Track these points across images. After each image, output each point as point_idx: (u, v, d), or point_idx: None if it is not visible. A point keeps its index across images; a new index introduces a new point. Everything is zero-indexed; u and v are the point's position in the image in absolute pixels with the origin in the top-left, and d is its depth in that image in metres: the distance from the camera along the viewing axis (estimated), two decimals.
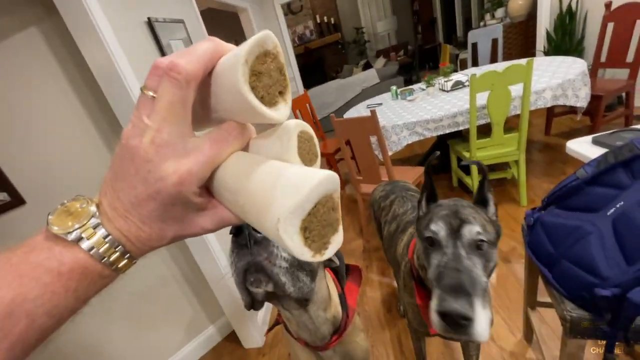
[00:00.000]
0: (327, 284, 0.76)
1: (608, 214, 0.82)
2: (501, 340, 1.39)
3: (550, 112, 2.67)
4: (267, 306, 1.87)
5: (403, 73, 6.21)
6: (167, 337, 1.61)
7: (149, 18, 1.19)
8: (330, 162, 3.09)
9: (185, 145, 0.21)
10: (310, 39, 6.48)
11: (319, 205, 0.20)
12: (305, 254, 0.20)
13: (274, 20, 3.74)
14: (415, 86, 2.93)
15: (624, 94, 2.35)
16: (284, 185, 0.20)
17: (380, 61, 6.11)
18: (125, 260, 0.23)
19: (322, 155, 3.12)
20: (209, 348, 1.76)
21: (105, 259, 0.22)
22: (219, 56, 0.21)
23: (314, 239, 0.20)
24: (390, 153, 2.03)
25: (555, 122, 2.81)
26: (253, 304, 0.56)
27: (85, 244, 0.21)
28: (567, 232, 0.89)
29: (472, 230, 0.65)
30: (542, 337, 1.21)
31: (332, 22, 6.45)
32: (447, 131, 2.01)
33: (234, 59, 0.20)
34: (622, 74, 2.36)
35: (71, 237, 0.21)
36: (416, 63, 6.56)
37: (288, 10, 6.17)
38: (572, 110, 2.63)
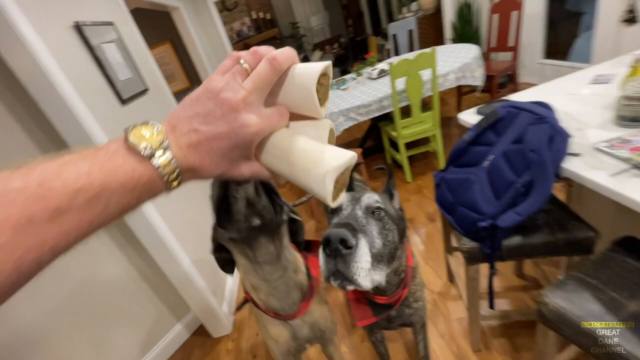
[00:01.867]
0: (294, 252, 0.80)
1: (484, 165, 1.08)
2: (430, 284, 1.67)
3: (459, 92, 3.10)
4: (231, 293, 1.96)
5: (338, 64, 6.51)
6: (134, 341, 1.61)
7: (76, 22, 1.19)
8: None
9: (261, 110, 0.30)
10: (248, 35, 6.43)
11: (345, 170, 0.32)
12: (330, 199, 0.31)
13: (208, 17, 3.68)
14: (347, 76, 3.16)
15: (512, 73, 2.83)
16: (331, 152, 0.32)
17: (317, 54, 6.33)
18: (176, 182, 0.28)
19: None
20: (177, 346, 1.78)
21: (166, 177, 0.27)
22: (294, 62, 0.31)
23: (335, 191, 0.32)
24: None
25: (465, 99, 3.27)
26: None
27: (155, 161, 0.26)
28: (459, 183, 1.14)
29: (371, 197, 0.69)
30: (458, 274, 1.50)
31: (269, 17, 6.47)
32: (376, 114, 2.26)
33: (311, 70, 0.30)
34: (508, 56, 2.84)
35: (145, 152, 0.26)
36: (350, 54, 6.91)
37: (222, 7, 6.04)
38: (474, 89, 3.11)
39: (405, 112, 2.24)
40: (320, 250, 0.57)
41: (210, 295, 1.69)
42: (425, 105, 2.18)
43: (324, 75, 0.31)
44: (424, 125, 2.25)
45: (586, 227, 0.97)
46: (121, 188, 0.25)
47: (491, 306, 1.17)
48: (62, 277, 1.34)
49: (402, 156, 2.37)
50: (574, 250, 0.98)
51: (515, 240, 1.03)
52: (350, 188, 0.99)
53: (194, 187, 1.73)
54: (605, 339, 0.73)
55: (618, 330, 0.73)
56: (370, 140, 3.14)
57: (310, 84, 0.30)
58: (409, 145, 2.41)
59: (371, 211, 0.67)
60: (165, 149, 0.26)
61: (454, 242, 1.50)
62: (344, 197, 0.44)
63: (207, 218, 1.39)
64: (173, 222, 1.54)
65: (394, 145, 2.61)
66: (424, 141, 2.63)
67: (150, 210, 1.40)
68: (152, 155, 0.26)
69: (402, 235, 0.76)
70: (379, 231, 0.65)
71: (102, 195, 0.24)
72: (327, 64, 0.31)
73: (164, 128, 0.28)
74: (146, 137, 0.26)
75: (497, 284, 1.56)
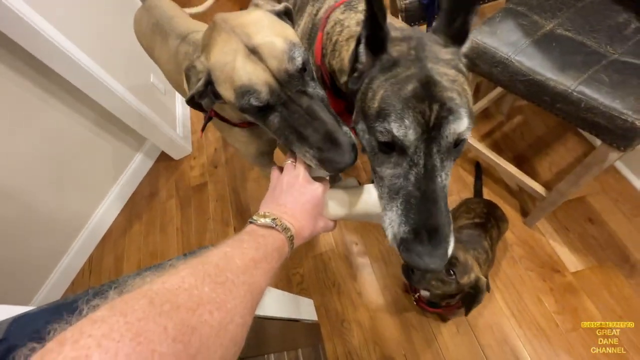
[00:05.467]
0: None
1: None
2: None
3: None
4: (184, 116, 1.89)
5: None
6: (100, 176, 1.64)
7: None
8: None
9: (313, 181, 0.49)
10: None
11: None
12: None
13: None
14: None
15: None
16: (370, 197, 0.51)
17: None
18: (293, 244, 0.42)
19: None
20: (144, 173, 1.85)
21: (290, 240, 0.41)
22: None
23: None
24: None
25: None
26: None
27: (285, 233, 0.40)
28: None
29: (459, 127, 0.39)
30: None
31: None
32: None
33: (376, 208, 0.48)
34: None
35: (278, 227, 0.40)
36: None
37: None
38: None
39: None
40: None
41: (160, 121, 1.64)
42: None
43: None
44: None
45: None
46: (268, 254, 0.37)
47: None
48: (24, 137, 1.30)
49: None
50: None
51: None
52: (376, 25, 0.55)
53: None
54: (511, 63, 0.75)
55: (525, 51, 0.74)
56: None
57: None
58: None
59: (455, 144, 0.40)
60: (284, 223, 0.41)
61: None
62: None
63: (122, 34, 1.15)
64: (96, 53, 1.32)
65: None
66: None
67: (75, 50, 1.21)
68: (284, 228, 0.41)
69: None
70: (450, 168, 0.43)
71: (255, 266, 0.34)
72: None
73: (275, 212, 0.43)
74: (271, 219, 0.41)
75: None
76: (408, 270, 0.79)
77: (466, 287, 0.75)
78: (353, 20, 0.54)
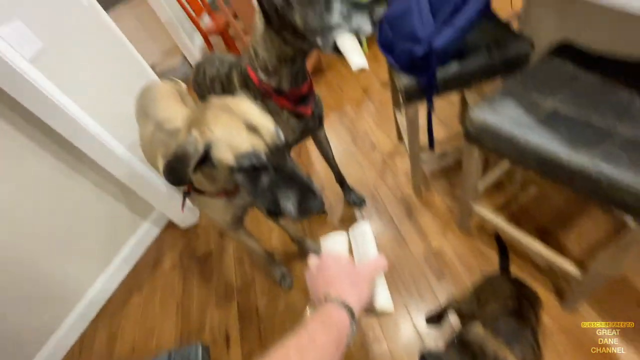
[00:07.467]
0: None
1: None
2: (381, 146, 1.68)
3: None
4: None
5: None
6: (101, 246, 1.62)
7: None
8: (225, 38, 2.82)
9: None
10: None
11: None
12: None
13: None
14: None
15: None
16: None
17: None
18: (354, 320, 0.42)
19: (215, 32, 2.82)
20: (150, 241, 1.82)
21: (351, 317, 0.41)
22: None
23: None
24: None
25: None
26: None
27: (345, 308, 0.41)
28: (400, 15, 1.00)
29: None
30: (402, 126, 1.48)
31: None
32: None
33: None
34: None
35: (338, 305, 0.41)
36: None
37: None
38: None
39: None
40: None
41: (168, 190, 1.66)
42: None
43: None
44: None
45: (522, 40, 0.90)
46: (338, 333, 0.39)
47: (431, 145, 1.17)
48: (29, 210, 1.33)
49: None
50: (511, 67, 0.93)
51: (452, 68, 0.96)
52: None
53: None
54: (517, 140, 0.73)
55: (530, 128, 0.72)
56: None
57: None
58: None
59: None
60: (345, 302, 0.42)
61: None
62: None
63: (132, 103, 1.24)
64: (104, 120, 1.39)
65: None
66: None
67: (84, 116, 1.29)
68: (346, 307, 0.42)
69: None
70: None
71: (327, 349, 0.38)
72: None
73: (334, 293, 0.44)
74: (332, 300, 0.42)
75: (443, 135, 1.58)
76: None
77: None
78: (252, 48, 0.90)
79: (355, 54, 0.73)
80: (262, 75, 0.91)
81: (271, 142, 0.62)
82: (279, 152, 0.63)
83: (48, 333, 1.42)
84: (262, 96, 0.95)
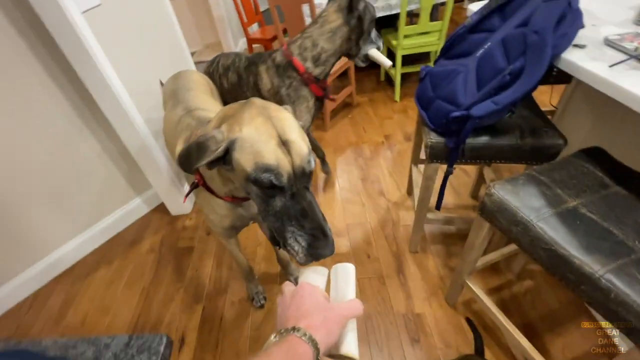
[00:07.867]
0: None
1: (477, 54, 0.96)
2: (390, 194, 1.67)
3: None
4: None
5: None
6: (92, 204, 1.60)
7: None
8: (267, 47, 2.94)
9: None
10: None
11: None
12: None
13: None
14: None
15: None
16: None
17: None
18: (318, 352, 0.39)
19: (260, 41, 2.94)
20: (136, 217, 1.79)
21: (315, 350, 0.39)
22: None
23: None
24: None
25: None
26: None
27: (312, 343, 0.38)
28: (444, 76, 1.04)
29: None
30: (417, 183, 1.48)
31: None
32: (381, 14, 2.01)
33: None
34: None
35: (304, 339, 0.38)
36: None
37: None
38: None
39: (410, 22, 2.01)
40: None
41: (170, 172, 1.65)
42: (435, 16, 1.94)
43: None
44: (428, 37, 2.05)
45: (557, 134, 0.92)
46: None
47: (438, 206, 1.17)
48: (34, 151, 1.34)
49: (397, 71, 2.20)
50: (538, 156, 0.94)
51: (482, 139, 0.98)
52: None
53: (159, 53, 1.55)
54: (532, 227, 0.72)
55: (548, 219, 0.71)
56: None
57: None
58: (407, 61, 2.22)
59: None
60: (312, 337, 0.39)
61: (423, 155, 1.47)
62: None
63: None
64: (133, 87, 1.41)
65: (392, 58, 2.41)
66: (425, 59, 2.43)
67: (112, 75, 1.30)
68: (310, 340, 0.38)
69: None
70: None
71: None
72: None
73: (303, 326, 0.40)
74: (297, 331, 0.39)
75: (451, 200, 1.57)
76: None
77: None
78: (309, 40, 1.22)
79: (385, 59, 1.31)
80: (309, 65, 1.22)
81: (299, 165, 0.55)
82: (303, 178, 0.57)
83: (4, 278, 1.35)
84: (299, 83, 1.25)
